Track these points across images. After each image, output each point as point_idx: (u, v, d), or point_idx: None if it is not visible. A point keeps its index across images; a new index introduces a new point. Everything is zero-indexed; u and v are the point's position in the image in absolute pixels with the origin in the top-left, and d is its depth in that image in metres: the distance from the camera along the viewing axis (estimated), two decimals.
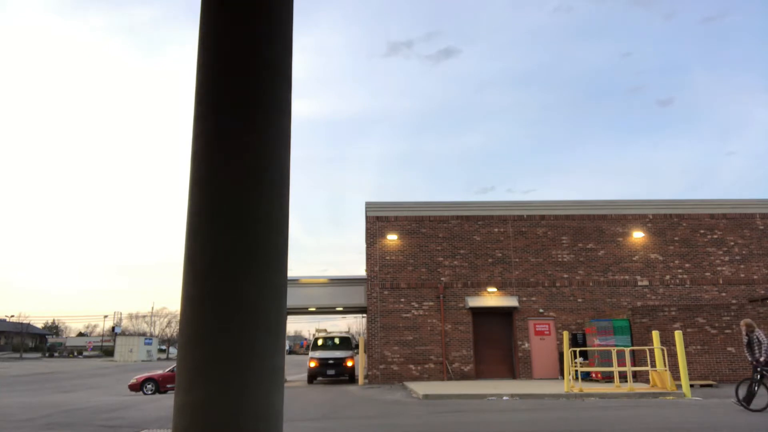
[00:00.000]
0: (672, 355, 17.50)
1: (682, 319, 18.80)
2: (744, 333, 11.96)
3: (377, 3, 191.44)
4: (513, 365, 22.16)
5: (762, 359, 11.45)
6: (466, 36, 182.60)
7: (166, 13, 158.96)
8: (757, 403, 11.35)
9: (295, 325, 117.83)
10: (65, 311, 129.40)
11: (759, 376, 11.41)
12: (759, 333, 11.75)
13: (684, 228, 23.36)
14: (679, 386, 15.40)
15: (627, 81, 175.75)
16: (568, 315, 22.26)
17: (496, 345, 22.40)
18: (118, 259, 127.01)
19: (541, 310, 22.34)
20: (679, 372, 15.80)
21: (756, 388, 11.42)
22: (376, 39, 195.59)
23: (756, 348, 11.67)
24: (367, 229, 23.11)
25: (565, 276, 22.70)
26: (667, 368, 16.30)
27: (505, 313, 22.47)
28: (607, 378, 18.28)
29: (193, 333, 1.87)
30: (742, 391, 11.61)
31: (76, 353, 79.40)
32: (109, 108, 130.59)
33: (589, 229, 23.31)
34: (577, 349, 19.14)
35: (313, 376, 23.29)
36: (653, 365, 17.06)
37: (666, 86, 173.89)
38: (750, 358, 11.75)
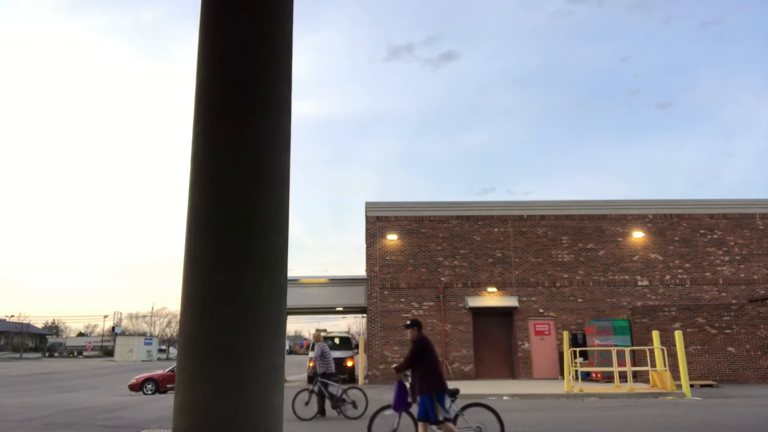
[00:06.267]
0: (672, 355, 17.51)
1: (682, 319, 18.80)
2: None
3: (378, 6, 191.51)
4: (513, 365, 22.15)
5: (318, 370, 11.96)
6: (466, 39, 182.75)
7: (167, 14, 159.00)
8: (307, 412, 11.74)
9: (295, 325, 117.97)
10: (65, 311, 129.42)
11: (317, 387, 11.81)
12: (318, 346, 12.23)
13: (684, 228, 23.36)
14: (679, 386, 15.39)
15: (626, 84, 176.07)
16: (568, 315, 22.26)
17: (496, 345, 22.40)
18: (118, 259, 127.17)
19: (541, 310, 22.33)
20: (679, 372, 15.81)
21: (311, 394, 11.95)
22: (377, 42, 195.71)
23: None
24: (368, 229, 23.11)
25: (565, 276, 22.69)
26: (667, 368, 16.30)
27: (505, 313, 22.46)
28: (607, 378, 18.28)
29: (193, 333, 1.87)
30: (304, 404, 12.12)
31: (76, 353, 79.31)
32: (110, 108, 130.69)
33: (589, 229, 23.30)
34: (577, 349, 19.13)
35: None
36: (653, 365, 17.06)
37: (665, 89, 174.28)
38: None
